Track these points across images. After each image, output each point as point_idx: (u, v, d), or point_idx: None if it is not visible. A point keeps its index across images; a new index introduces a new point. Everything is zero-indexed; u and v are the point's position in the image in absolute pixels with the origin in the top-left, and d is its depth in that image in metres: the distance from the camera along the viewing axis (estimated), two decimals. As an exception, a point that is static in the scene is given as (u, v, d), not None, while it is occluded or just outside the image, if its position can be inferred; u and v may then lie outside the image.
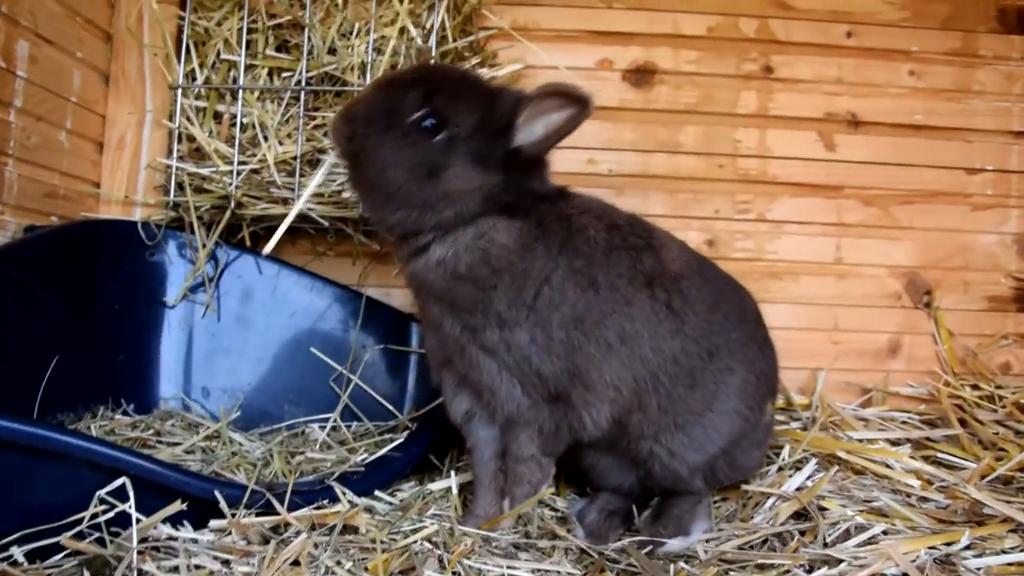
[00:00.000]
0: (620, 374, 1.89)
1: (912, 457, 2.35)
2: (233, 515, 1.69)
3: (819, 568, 1.67)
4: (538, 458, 1.92)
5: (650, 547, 1.90)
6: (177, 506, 1.61)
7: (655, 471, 2.03)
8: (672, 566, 1.77)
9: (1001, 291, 3.04)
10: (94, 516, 1.57)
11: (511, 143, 1.83)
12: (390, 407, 2.52)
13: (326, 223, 2.55)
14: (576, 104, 1.78)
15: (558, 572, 1.70)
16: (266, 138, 2.55)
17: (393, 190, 1.81)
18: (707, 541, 1.95)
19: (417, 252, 1.88)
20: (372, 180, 1.84)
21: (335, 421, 2.48)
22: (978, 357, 3.00)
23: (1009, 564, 1.74)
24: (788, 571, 1.68)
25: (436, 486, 2.07)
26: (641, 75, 2.96)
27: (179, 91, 2.63)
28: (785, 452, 2.33)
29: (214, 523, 1.70)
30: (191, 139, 2.63)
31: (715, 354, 2.00)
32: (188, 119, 2.62)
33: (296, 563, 1.59)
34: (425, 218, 1.83)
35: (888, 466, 2.27)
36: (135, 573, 1.51)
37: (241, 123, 2.59)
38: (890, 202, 3.00)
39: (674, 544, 1.92)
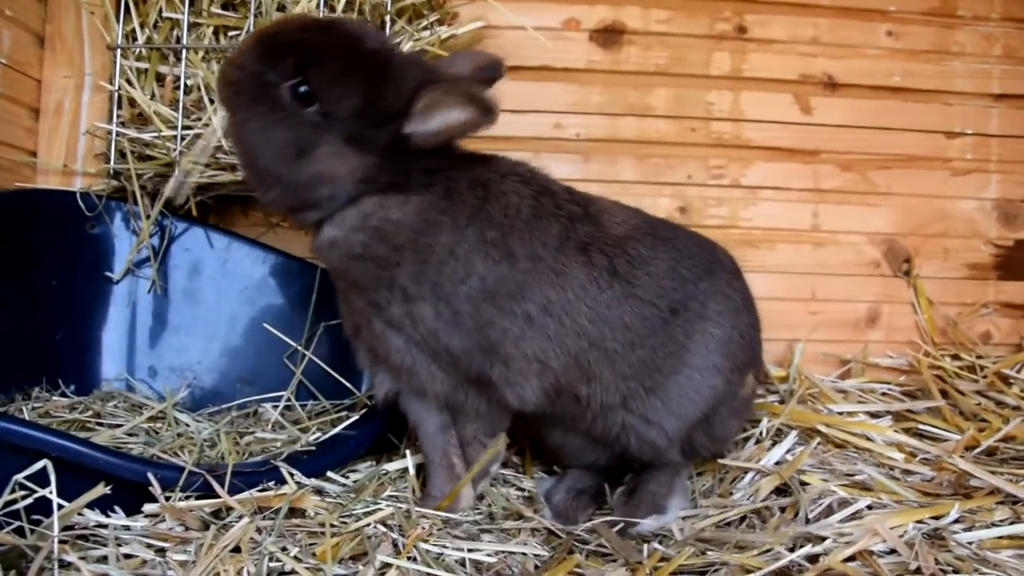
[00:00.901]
0: (544, 347, 1.76)
1: (893, 430, 2.26)
2: (168, 499, 1.56)
3: (802, 546, 1.55)
4: (481, 439, 1.86)
5: (622, 526, 1.79)
6: (101, 490, 1.47)
7: (631, 445, 1.92)
8: (646, 546, 1.66)
9: (981, 258, 2.96)
10: (11, 503, 1.43)
11: (401, 129, 1.68)
12: (348, 384, 2.37)
13: (278, 191, 2.40)
14: (479, 109, 1.63)
15: (523, 554, 1.59)
16: (212, 100, 2.39)
17: (263, 169, 1.71)
18: (683, 519, 1.84)
19: (312, 228, 1.79)
20: (244, 155, 1.76)
21: (289, 400, 2.34)
22: (958, 326, 2.91)
23: (1000, 538, 1.65)
24: (769, 550, 1.58)
25: (392, 466, 1.95)
26: (609, 35, 2.82)
27: (118, 52, 2.46)
28: (763, 425, 2.23)
29: (148, 508, 1.56)
30: (132, 103, 2.46)
31: (680, 310, 1.88)
32: (128, 82, 2.45)
33: (237, 550, 1.46)
34: (300, 196, 1.72)
35: (869, 439, 2.17)
36: (55, 565, 1.38)
37: (185, 85, 2.42)
38: (868, 167, 2.90)
39: (648, 524, 1.82)
